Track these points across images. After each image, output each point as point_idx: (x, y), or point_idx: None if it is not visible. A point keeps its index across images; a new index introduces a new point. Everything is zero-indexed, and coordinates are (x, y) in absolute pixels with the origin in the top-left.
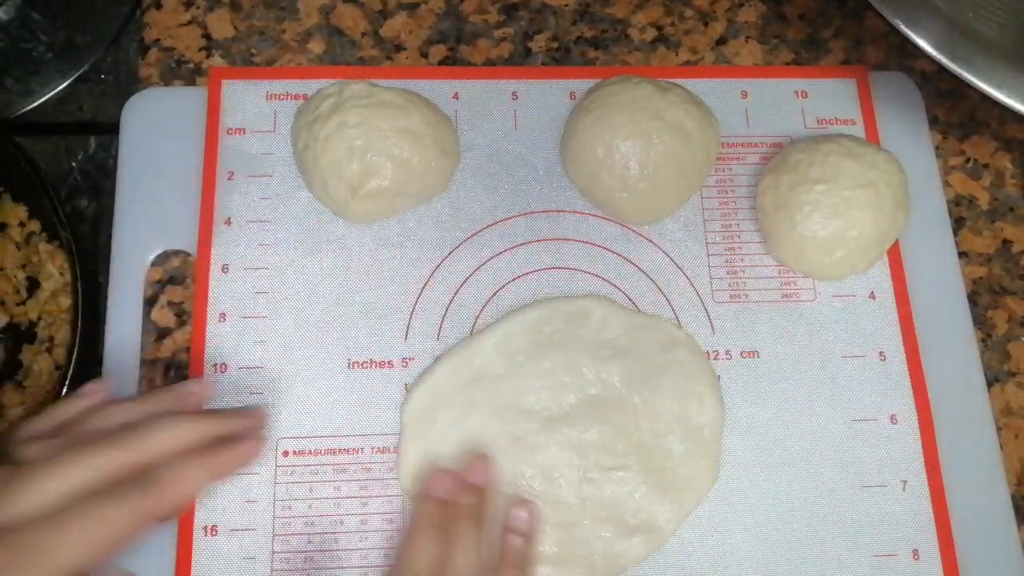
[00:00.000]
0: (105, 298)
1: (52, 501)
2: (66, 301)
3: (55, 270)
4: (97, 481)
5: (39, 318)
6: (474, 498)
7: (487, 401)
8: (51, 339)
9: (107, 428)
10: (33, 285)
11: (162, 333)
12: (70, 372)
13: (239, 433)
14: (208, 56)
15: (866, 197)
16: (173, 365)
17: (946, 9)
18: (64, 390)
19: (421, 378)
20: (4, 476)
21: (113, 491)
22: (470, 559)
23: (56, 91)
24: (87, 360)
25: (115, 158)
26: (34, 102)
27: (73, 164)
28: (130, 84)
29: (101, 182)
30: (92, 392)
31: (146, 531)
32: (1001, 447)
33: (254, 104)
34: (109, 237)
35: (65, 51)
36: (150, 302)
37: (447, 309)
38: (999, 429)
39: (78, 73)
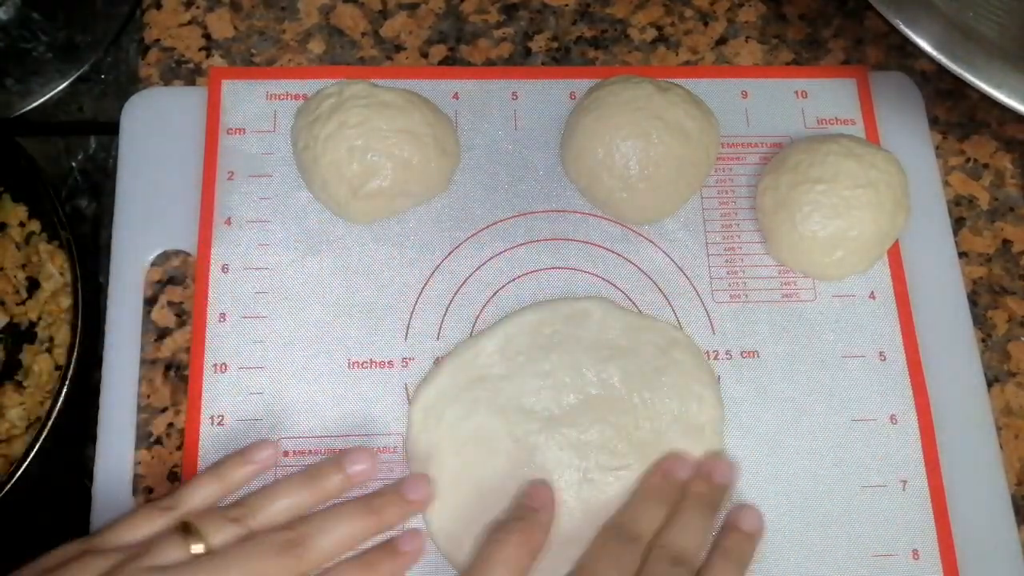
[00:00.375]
0: (105, 298)
1: None
2: (66, 301)
3: (55, 270)
4: None
5: (39, 318)
6: (707, 488)
7: (489, 401)
8: (51, 339)
9: (275, 521)
10: (33, 285)
11: (162, 333)
12: (70, 372)
13: (397, 523)
14: (208, 56)
15: (866, 197)
16: (173, 365)
17: (946, 9)
18: (64, 390)
19: (429, 377)
20: (205, 568)
21: None
22: (697, 537)
23: (56, 91)
24: (87, 360)
25: (115, 158)
26: (34, 102)
27: (73, 164)
28: (130, 84)
29: (101, 182)
30: (263, 459)
31: None
32: (1001, 447)
33: (254, 104)
34: (109, 237)
35: (65, 51)
36: (150, 302)
37: (447, 309)
38: (999, 429)
39: (78, 73)
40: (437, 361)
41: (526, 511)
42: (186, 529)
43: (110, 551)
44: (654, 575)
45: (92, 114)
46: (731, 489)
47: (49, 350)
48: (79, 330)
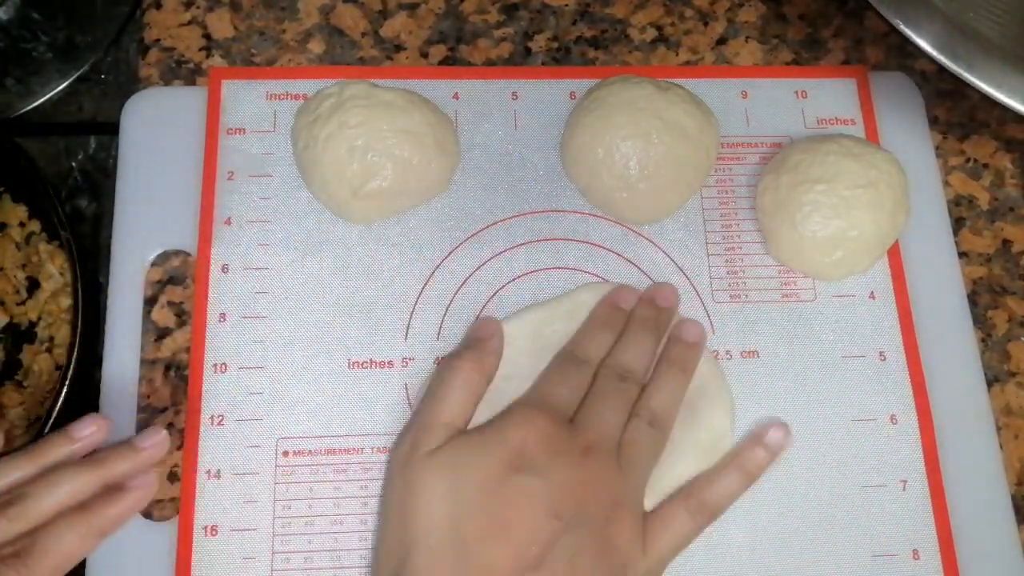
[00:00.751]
0: (105, 298)
1: None
2: (66, 301)
3: (55, 270)
4: None
5: (39, 318)
6: (652, 312)
7: (492, 401)
8: (51, 339)
9: None
10: (33, 285)
11: (162, 333)
12: (70, 372)
13: (129, 474)
14: (208, 56)
15: (866, 197)
16: (173, 365)
17: (946, 9)
18: (64, 390)
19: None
20: None
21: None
22: (643, 355)
23: (56, 91)
24: (87, 360)
25: (115, 158)
26: (34, 102)
27: (73, 164)
28: (130, 84)
29: (101, 182)
30: (84, 436)
31: None
32: (1001, 447)
33: (254, 104)
34: (109, 237)
35: (65, 51)
36: (150, 302)
37: (447, 309)
38: (999, 429)
39: (78, 73)
40: (438, 361)
41: (476, 341)
42: None
43: None
44: (602, 390)
45: (92, 114)
46: (675, 313)
47: (49, 350)
48: (79, 330)
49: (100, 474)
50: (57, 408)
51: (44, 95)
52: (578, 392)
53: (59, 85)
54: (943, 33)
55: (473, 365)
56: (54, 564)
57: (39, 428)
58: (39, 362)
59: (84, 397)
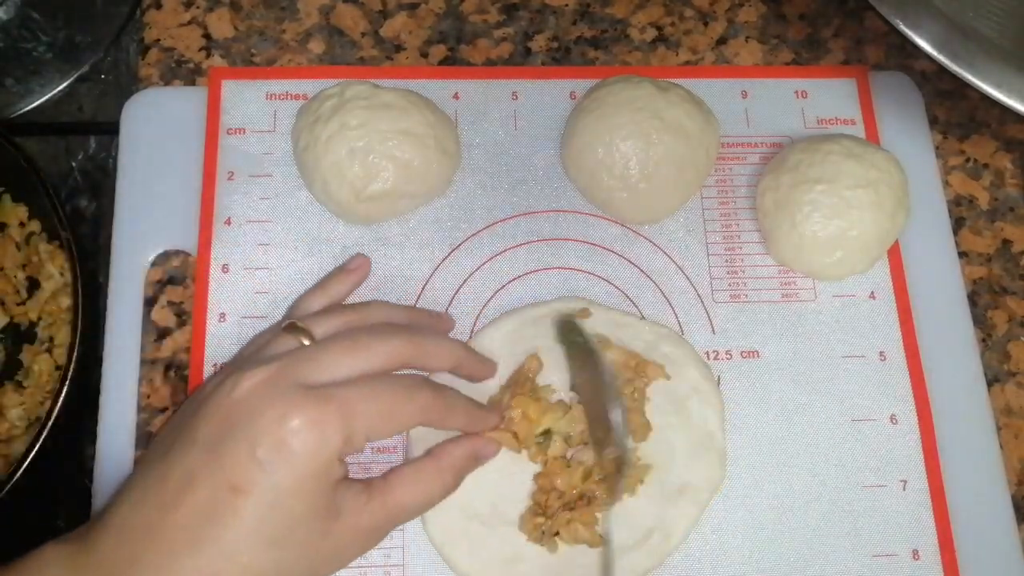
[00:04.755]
0: (105, 298)
1: (346, 377)
2: (66, 301)
3: (55, 270)
4: (381, 368)
5: (39, 318)
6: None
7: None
8: (51, 339)
9: (381, 322)
10: (33, 285)
11: (162, 333)
12: (70, 372)
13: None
14: (208, 56)
15: (866, 197)
16: (173, 365)
17: (946, 9)
18: (64, 389)
19: None
20: (310, 351)
21: (406, 380)
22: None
23: (56, 91)
24: (87, 360)
25: (115, 158)
26: (34, 102)
27: (73, 164)
28: (130, 84)
29: (101, 182)
30: (359, 267)
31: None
32: (1001, 447)
33: (254, 104)
34: (109, 237)
35: (65, 51)
36: (150, 302)
37: (447, 310)
38: (999, 429)
39: (78, 73)
40: None
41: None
42: (293, 328)
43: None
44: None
45: (92, 114)
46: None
47: (49, 350)
48: (79, 330)
49: (469, 359)
50: (57, 408)
51: (44, 95)
52: None
53: (59, 85)
54: (943, 33)
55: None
56: (457, 409)
57: (39, 428)
58: (39, 362)
59: (84, 397)
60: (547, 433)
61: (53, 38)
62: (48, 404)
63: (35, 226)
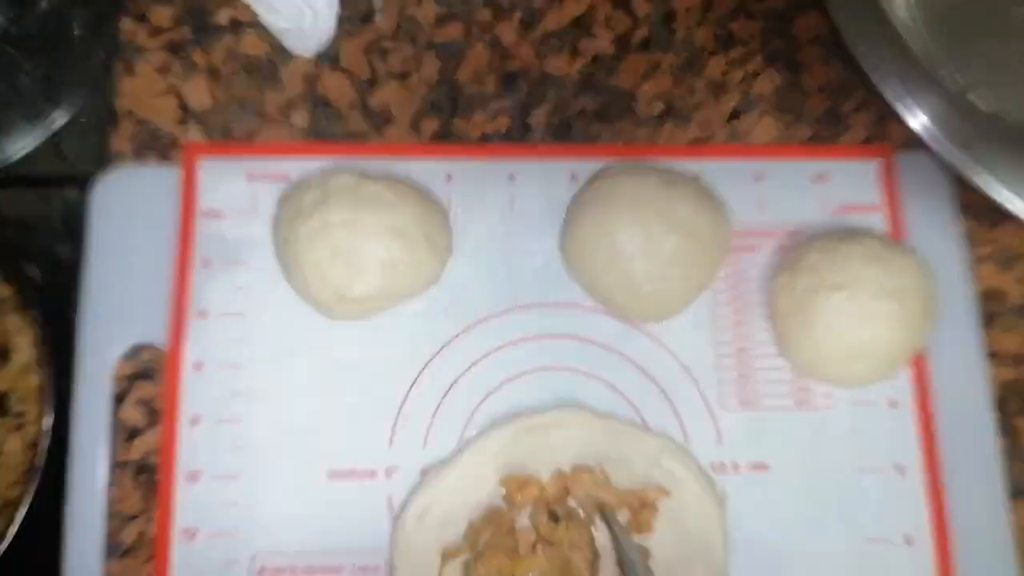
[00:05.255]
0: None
1: None
2: (35, 380)
3: (24, 344)
4: None
5: (11, 390)
6: None
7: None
8: (22, 415)
9: None
10: (4, 353)
11: (132, 433)
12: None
13: None
14: (183, 125)
15: (891, 307)
16: (145, 468)
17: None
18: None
19: (415, 491)
20: None
21: None
22: None
23: (26, 151)
24: (59, 452)
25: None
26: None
27: (52, 212)
28: (100, 156)
29: (81, 228)
30: None
31: None
32: (1021, 569)
33: (232, 185)
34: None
35: (37, 116)
36: (119, 398)
37: (435, 414)
38: (1020, 549)
39: (47, 136)
40: (423, 472)
41: None
42: None
43: None
44: None
45: (73, 158)
46: None
47: (20, 427)
48: (52, 421)
49: None
50: (27, 505)
51: (16, 154)
52: None
53: (30, 147)
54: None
55: None
56: None
57: (8, 516)
58: (11, 441)
59: (58, 491)
60: None
61: (27, 103)
62: (18, 489)
63: (6, 291)
